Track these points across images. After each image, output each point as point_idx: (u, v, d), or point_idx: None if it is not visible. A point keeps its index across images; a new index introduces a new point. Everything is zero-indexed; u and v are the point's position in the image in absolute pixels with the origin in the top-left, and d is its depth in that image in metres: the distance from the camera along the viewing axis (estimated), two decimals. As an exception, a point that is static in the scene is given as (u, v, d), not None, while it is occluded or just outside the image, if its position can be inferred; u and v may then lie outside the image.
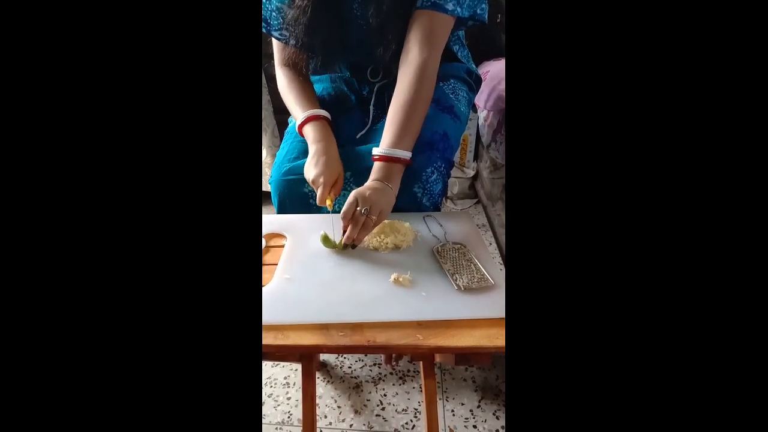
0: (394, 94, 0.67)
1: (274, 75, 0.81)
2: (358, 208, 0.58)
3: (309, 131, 0.70)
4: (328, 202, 0.65)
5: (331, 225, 0.64)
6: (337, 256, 0.60)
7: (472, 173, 1.56)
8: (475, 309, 0.50)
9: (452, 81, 0.83)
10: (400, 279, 0.55)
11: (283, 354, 0.49)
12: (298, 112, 0.73)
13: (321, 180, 0.64)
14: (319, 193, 0.64)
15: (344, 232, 0.60)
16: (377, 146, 0.72)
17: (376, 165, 0.65)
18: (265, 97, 1.39)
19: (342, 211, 0.59)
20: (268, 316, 0.50)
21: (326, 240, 0.62)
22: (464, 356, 0.58)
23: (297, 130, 0.73)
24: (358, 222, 0.58)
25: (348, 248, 0.61)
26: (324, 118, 0.72)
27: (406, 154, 0.65)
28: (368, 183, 0.63)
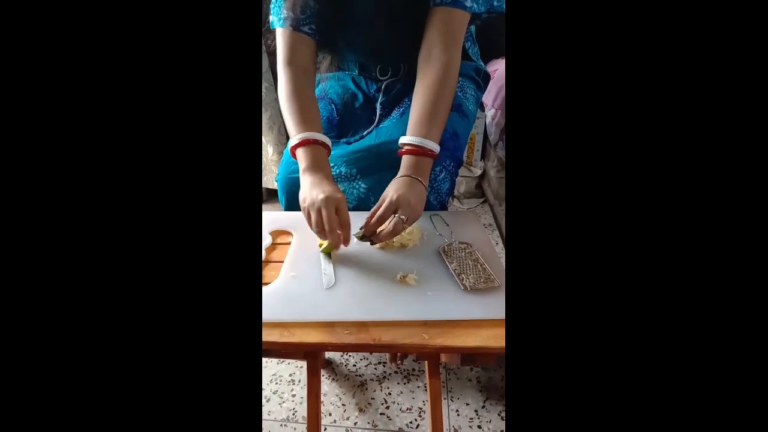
0: (417, 90, 0.65)
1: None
2: (398, 215, 0.56)
3: (302, 156, 0.63)
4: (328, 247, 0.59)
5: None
6: (342, 255, 0.60)
7: (479, 172, 1.55)
8: (480, 309, 0.50)
9: (461, 79, 0.83)
10: (406, 278, 0.54)
11: (288, 351, 0.49)
12: (293, 130, 0.65)
13: (326, 203, 0.55)
14: (325, 218, 0.55)
15: (369, 228, 0.58)
16: (386, 141, 0.72)
17: (406, 159, 0.62)
18: (272, 95, 1.39)
19: (379, 212, 0.57)
20: (274, 313, 0.50)
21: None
22: (470, 356, 0.57)
23: (290, 152, 0.66)
24: (396, 228, 0.56)
25: (365, 240, 0.59)
26: (321, 143, 0.64)
27: (435, 147, 0.62)
28: (402, 180, 0.60)
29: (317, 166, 0.62)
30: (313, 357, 0.58)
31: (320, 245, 0.61)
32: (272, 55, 1.33)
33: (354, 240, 0.60)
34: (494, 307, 0.50)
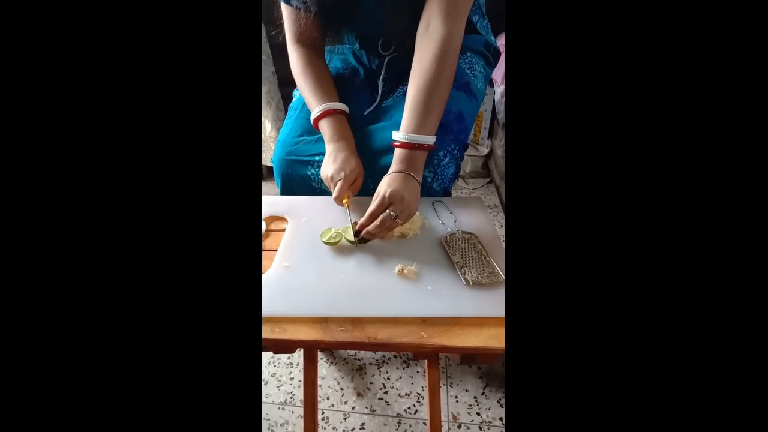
0: (414, 71, 0.61)
1: (280, 45, 0.76)
2: (388, 211, 0.54)
3: (325, 126, 0.65)
4: (345, 201, 0.60)
5: (348, 217, 0.60)
6: (340, 244, 0.57)
7: (485, 151, 1.50)
8: (483, 306, 0.47)
9: (469, 55, 0.78)
10: (405, 271, 0.52)
11: (279, 347, 0.47)
12: (313, 102, 0.68)
13: (341, 175, 0.60)
14: (336, 189, 0.60)
15: (362, 225, 0.56)
16: (387, 124, 0.68)
17: (399, 153, 0.59)
18: (270, 69, 1.33)
19: (371, 209, 0.55)
20: (265, 306, 0.47)
21: (326, 234, 0.58)
22: (470, 355, 0.55)
23: (312, 124, 0.68)
24: (384, 223, 0.54)
25: (356, 243, 0.57)
26: (342, 112, 0.67)
27: (430, 140, 0.59)
28: (395, 176, 0.58)
29: (341, 136, 0.64)
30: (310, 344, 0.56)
31: (322, 235, 0.58)
32: (271, 24, 1.26)
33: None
34: (497, 304, 0.47)
